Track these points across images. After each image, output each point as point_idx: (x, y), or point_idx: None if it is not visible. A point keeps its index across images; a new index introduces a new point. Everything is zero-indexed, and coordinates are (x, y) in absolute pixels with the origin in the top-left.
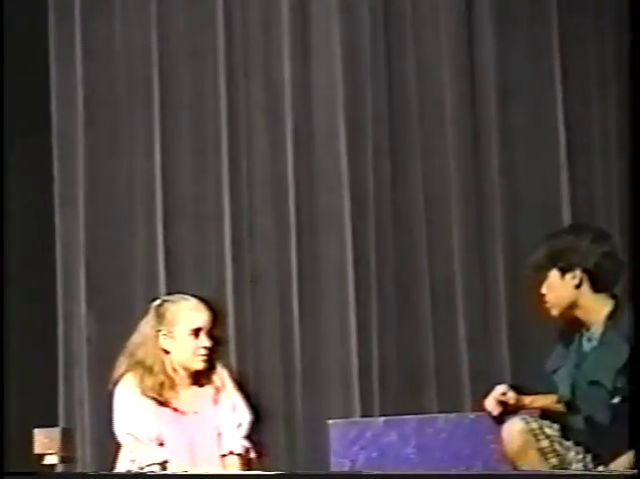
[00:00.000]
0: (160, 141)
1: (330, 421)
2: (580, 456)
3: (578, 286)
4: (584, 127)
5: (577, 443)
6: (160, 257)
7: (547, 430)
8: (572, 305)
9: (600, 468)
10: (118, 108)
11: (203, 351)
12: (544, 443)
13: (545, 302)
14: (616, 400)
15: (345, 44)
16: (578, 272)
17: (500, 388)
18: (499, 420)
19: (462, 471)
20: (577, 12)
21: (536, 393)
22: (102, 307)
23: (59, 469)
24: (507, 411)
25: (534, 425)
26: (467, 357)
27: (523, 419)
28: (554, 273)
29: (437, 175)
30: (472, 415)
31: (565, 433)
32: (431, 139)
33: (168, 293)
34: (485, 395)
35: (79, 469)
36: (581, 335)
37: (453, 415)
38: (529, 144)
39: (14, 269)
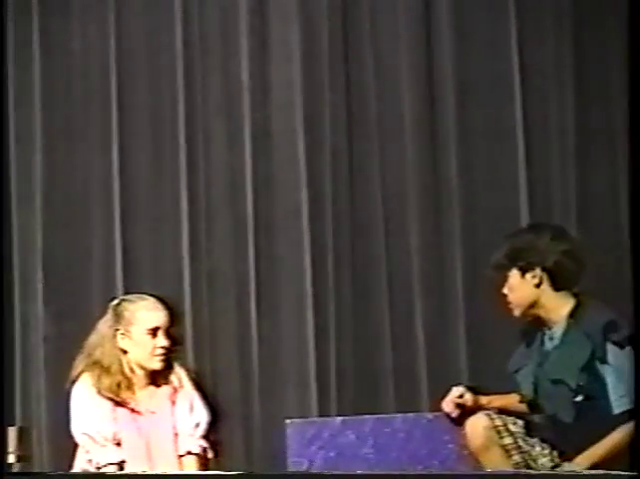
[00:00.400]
0: (117, 141)
1: (287, 421)
2: (546, 451)
3: (538, 285)
4: (542, 127)
5: (543, 440)
6: (117, 257)
7: (511, 427)
8: (533, 305)
9: (565, 464)
10: (75, 108)
11: (161, 351)
12: (508, 440)
13: (508, 303)
14: (579, 398)
15: (303, 45)
16: (538, 271)
17: (457, 390)
18: (458, 421)
19: (468, 472)
20: (535, 11)
21: (495, 393)
22: (59, 307)
23: (15, 468)
24: (465, 412)
25: (498, 422)
26: (424, 358)
27: (487, 415)
28: (515, 273)
29: (395, 175)
30: (429, 415)
31: (530, 430)
32: (389, 139)
33: (126, 293)
34: (443, 396)
35: (35, 468)
36: (543, 334)
37: (410, 415)
38: (487, 144)
39: None
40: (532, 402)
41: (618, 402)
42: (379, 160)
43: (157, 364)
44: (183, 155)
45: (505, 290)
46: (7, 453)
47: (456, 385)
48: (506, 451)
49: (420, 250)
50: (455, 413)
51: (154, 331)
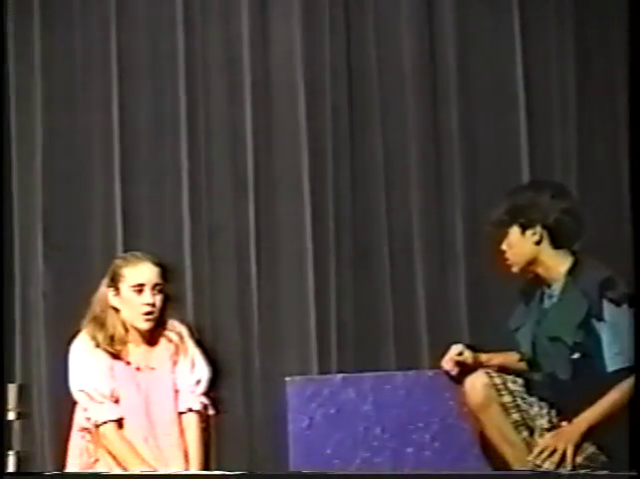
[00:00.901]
0: (117, 97)
1: (287, 378)
2: (544, 411)
3: (538, 243)
4: (543, 82)
5: (541, 398)
6: (117, 214)
7: (511, 385)
8: (532, 262)
9: (564, 423)
10: (75, 61)
11: (147, 309)
12: (507, 398)
13: (506, 259)
14: (576, 356)
15: (304, 1)
16: (538, 229)
17: (457, 348)
18: (457, 379)
19: (463, 472)
20: None
21: (495, 351)
22: (58, 263)
23: (15, 425)
24: (465, 370)
25: (498, 380)
26: (425, 315)
27: (487, 373)
28: (515, 230)
29: (395, 132)
30: (430, 372)
31: (529, 388)
32: (389, 96)
33: (125, 249)
34: (443, 354)
35: (36, 426)
36: (542, 292)
37: (411, 372)
38: (489, 99)
39: None
40: (531, 360)
41: (612, 360)
42: (379, 116)
43: (143, 324)
44: (183, 110)
45: (504, 247)
46: (7, 410)
47: (455, 343)
48: (505, 409)
49: (420, 208)
50: (454, 371)
51: (139, 288)
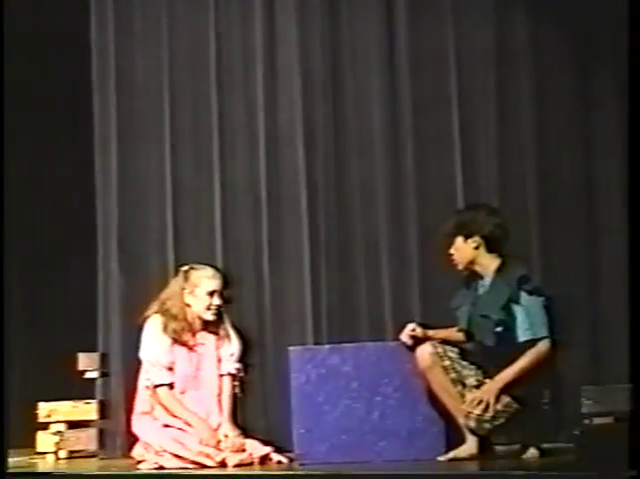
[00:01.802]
0: (169, 141)
1: (290, 348)
2: (473, 372)
3: (477, 248)
4: (473, 135)
5: (472, 363)
6: (169, 229)
7: (449, 353)
8: (472, 262)
9: (487, 381)
10: (137, 116)
11: (215, 308)
12: (447, 362)
13: (453, 260)
14: (499, 329)
15: (303, 76)
16: (477, 238)
17: (411, 326)
18: (412, 348)
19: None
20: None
21: (439, 328)
22: (128, 265)
23: (98, 383)
24: (417, 342)
25: (440, 349)
26: (389, 301)
27: (432, 344)
28: (459, 239)
29: (368, 172)
30: (393, 344)
31: (463, 356)
32: (364, 143)
33: (175, 257)
34: (401, 330)
35: (112, 384)
36: (477, 283)
37: (379, 343)
38: (433, 148)
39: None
40: (467, 331)
41: (523, 333)
42: (357, 161)
43: (210, 317)
44: (217, 156)
45: (452, 251)
46: (93, 370)
47: (410, 322)
48: (445, 370)
49: (386, 223)
50: (409, 342)
51: (211, 293)
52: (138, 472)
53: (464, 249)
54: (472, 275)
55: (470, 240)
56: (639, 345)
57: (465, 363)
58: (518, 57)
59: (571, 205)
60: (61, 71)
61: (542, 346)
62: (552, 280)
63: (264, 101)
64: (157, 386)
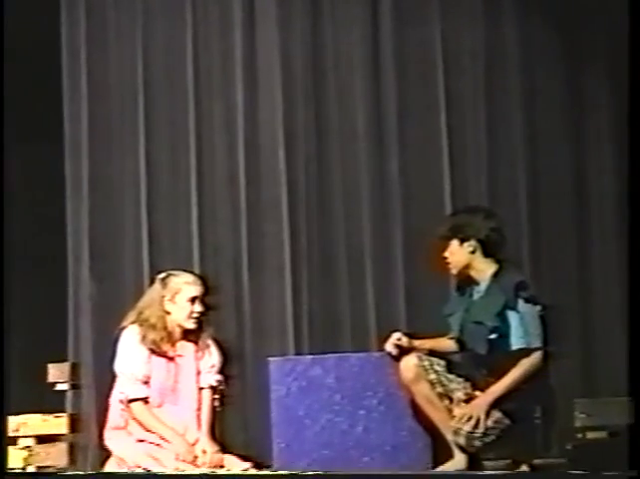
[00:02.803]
0: (144, 144)
1: (270, 359)
2: (460, 386)
3: (473, 252)
4: (461, 138)
5: (459, 376)
6: (144, 235)
7: (436, 367)
8: (467, 266)
9: (477, 393)
10: (112, 121)
11: (196, 315)
12: (432, 376)
13: (447, 264)
14: (493, 336)
15: (283, 77)
16: (473, 242)
17: (396, 335)
18: (397, 358)
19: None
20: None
21: (426, 337)
22: (100, 273)
23: (69, 395)
24: (402, 352)
25: (426, 362)
26: (374, 310)
27: (418, 356)
28: (455, 242)
29: (351, 174)
30: (377, 354)
31: (450, 369)
32: (346, 149)
33: (150, 264)
34: (386, 339)
35: (83, 396)
36: (471, 289)
37: (363, 354)
38: (419, 148)
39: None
40: (459, 339)
41: (517, 341)
42: (340, 163)
43: (191, 325)
44: (194, 158)
45: (447, 254)
46: (63, 382)
47: (396, 331)
48: (431, 384)
49: (370, 228)
50: (394, 352)
51: (192, 300)
52: (137, 472)
53: (459, 254)
54: (466, 281)
55: (465, 244)
56: (638, 345)
57: (451, 376)
58: (508, 58)
59: (564, 210)
60: (30, 69)
61: (536, 357)
62: (544, 289)
63: (244, 102)
64: (131, 401)
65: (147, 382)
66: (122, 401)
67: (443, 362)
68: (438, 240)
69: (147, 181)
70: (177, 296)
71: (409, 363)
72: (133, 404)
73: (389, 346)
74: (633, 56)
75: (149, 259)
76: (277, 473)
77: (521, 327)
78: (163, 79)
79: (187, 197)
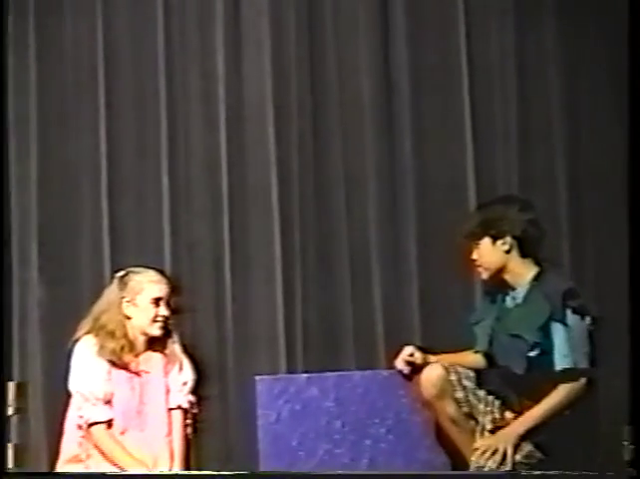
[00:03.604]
0: (104, 122)
1: (257, 377)
2: (489, 408)
3: (508, 252)
4: (488, 112)
5: (489, 392)
6: (104, 229)
7: (465, 381)
8: (502, 269)
9: (507, 414)
10: (68, 92)
11: (161, 319)
12: (460, 394)
13: (477, 267)
14: (533, 353)
15: (273, 42)
16: (508, 239)
17: (408, 349)
18: (409, 377)
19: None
20: (482, 5)
21: (444, 352)
22: (51, 275)
23: (14, 421)
24: (416, 369)
25: (453, 376)
26: (381, 320)
27: (444, 366)
28: (486, 241)
29: (355, 156)
30: (385, 372)
31: (480, 382)
32: (349, 124)
33: (112, 262)
34: (396, 355)
35: (31, 421)
36: (505, 295)
37: (368, 372)
38: (438, 127)
39: None
40: (486, 353)
41: (562, 360)
42: (340, 142)
43: (156, 331)
44: (165, 135)
45: (475, 256)
46: (6, 406)
47: (407, 345)
48: (458, 403)
49: (377, 224)
50: (406, 370)
51: (156, 301)
52: (137, 472)
53: (491, 254)
54: (497, 285)
55: (499, 242)
56: None
57: (481, 394)
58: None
59: (613, 202)
60: None
61: (581, 381)
62: (588, 297)
63: (225, 69)
64: (91, 425)
65: (109, 402)
66: (80, 427)
67: (472, 374)
68: (464, 239)
69: (107, 164)
70: (139, 297)
71: (432, 375)
72: (94, 429)
73: (400, 363)
74: None
75: (110, 258)
76: (277, 473)
77: (567, 344)
78: (128, 42)
79: (157, 182)
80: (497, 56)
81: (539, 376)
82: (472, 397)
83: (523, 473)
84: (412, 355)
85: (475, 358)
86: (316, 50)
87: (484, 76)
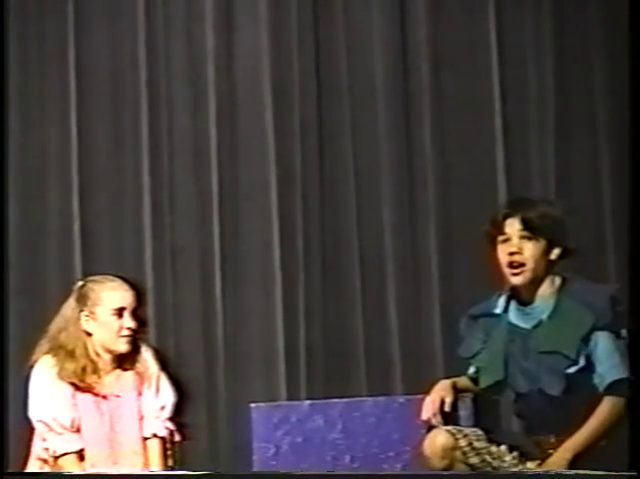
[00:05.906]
0: (75, 109)
1: (252, 404)
2: (508, 458)
3: (553, 262)
4: (520, 98)
5: (510, 447)
6: (75, 233)
7: (476, 444)
8: (540, 278)
9: (552, 439)
10: (30, 76)
11: (127, 332)
12: (474, 460)
13: (516, 266)
14: (573, 369)
15: (270, 10)
16: (558, 250)
17: (439, 395)
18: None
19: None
20: None
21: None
22: (12, 283)
23: None
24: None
25: (463, 442)
26: (397, 339)
27: (450, 432)
28: (542, 242)
29: (366, 149)
30: (401, 399)
31: (491, 439)
32: (360, 112)
33: (84, 271)
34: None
35: None
36: (503, 313)
37: (381, 399)
38: (462, 115)
39: None
40: (504, 380)
41: (611, 371)
42: (350, 133)
43: (122, 346)
44: (145, 126)
45: (514, 249)
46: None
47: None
48: (473, 468)
49: (392, 226)
50: (435, 420)
51: (119, 312)
52: (137, 472)
53: (542, 259)
54: (528, 294)
55: (556, 251)
56: None
57: (499, 449)
58: None
59: None
60: None
61: (621, 398)
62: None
63: (215, 44)
64: (58, 457)
65: (78, 430)
66: (46, 461)
67: (481, 433)
68: (517, 226)
69: (78, 157)
70: (99, 309)
71: (436, 446)
72: (63, 461)
73: (428, 409)
74: None
75: (81, 266)
76: (276, 473)
77: (617, 352)
78: (101, 12)
79: (137, 179)
80: (532, 34)
81: (581, 394)
82: (488, 457)
83: (524, 472)
84: (443, 402)
85: (467, 383)
86: (322, 23)
87: (517, 55)
